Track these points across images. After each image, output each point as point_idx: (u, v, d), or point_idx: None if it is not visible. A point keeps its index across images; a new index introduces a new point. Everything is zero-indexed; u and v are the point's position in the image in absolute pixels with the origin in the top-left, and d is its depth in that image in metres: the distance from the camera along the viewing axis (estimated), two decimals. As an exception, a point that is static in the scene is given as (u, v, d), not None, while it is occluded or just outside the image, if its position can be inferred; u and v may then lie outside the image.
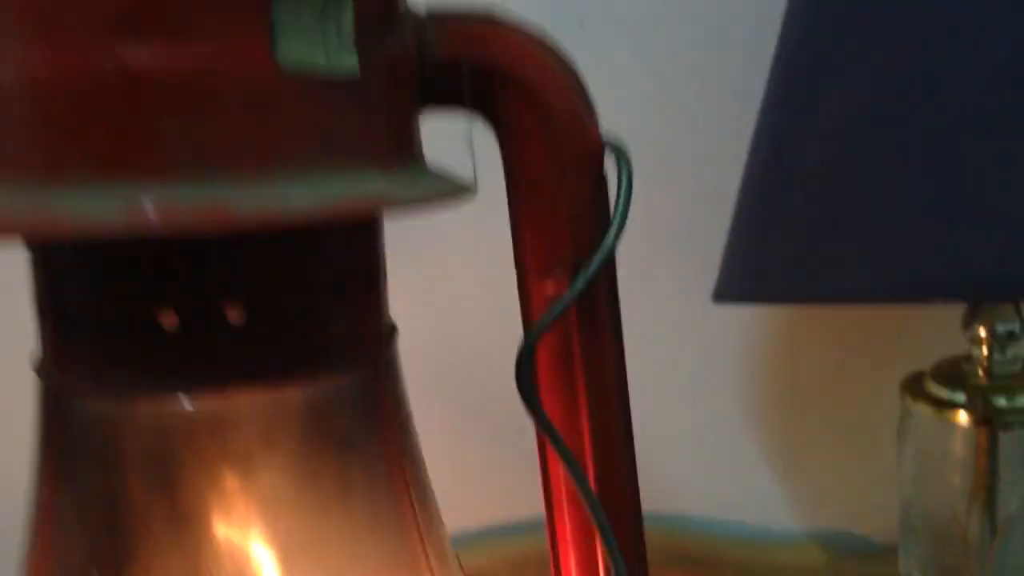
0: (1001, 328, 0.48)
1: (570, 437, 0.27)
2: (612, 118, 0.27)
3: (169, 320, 0.22)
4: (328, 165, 0.21)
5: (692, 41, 0.53)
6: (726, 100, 0.52)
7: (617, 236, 0.26)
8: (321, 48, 0.21)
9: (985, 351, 0.48)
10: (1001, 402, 0.47)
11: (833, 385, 0.60)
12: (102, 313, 0.23)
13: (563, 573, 0.28)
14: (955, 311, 0.49)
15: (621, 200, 0.26)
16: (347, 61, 0.21)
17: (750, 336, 0.59)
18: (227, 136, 0.20)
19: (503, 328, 0.28)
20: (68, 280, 0.23)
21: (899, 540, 0.52)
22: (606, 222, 0.26)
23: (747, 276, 0.44)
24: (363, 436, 0.25)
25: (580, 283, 0.25)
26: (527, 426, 0.27)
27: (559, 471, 0.28)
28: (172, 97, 0.20)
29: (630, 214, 0.25)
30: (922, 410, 0.49)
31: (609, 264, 0.27)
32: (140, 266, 0.22)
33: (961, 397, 0.48)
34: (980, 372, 0.48)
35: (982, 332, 0.48)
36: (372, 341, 0.25)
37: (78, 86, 0.20)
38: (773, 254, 0.43)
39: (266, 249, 0.22)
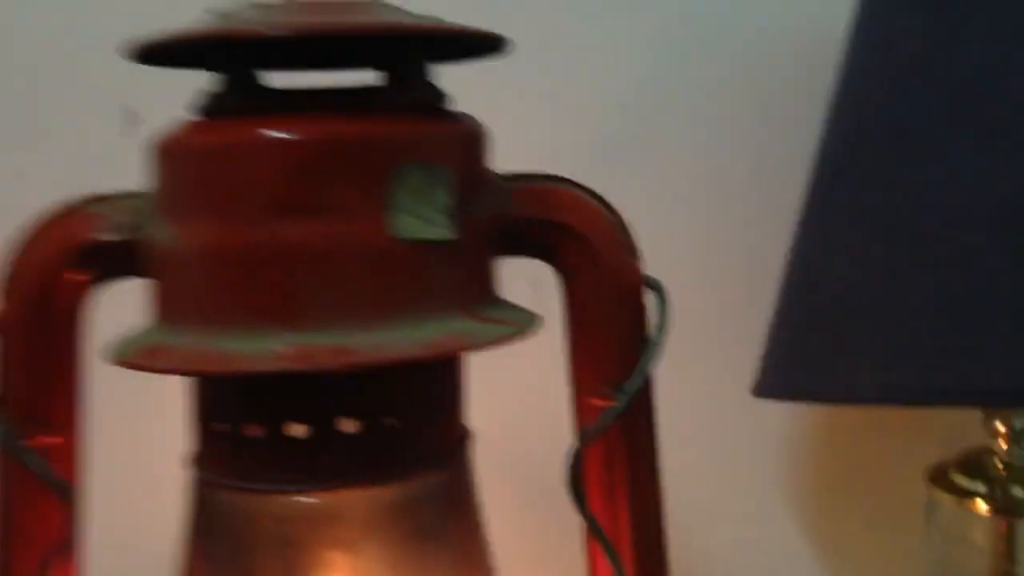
0: (1018, 424, 0.51)
1: (612, 531, 0.32)
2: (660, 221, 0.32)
3: (297, 432, 0.28)
4: (425, 312, 0.27)
5: (727, 166, 0.58)
6: (764, 214, 0.57)
7: (654, 358, 0.31)
8: (426, 221, 0.27)
9: (1004, 444, 0.52)
10: (1019, 493, 0.51)
11: (867, 471, 0.63)
12: (244, 426, 0.28)
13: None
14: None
15: (659, 328, 0.31)
16: (445, 229, 0.27)
17: (790, 426, 0.63)
18: (350, 292, 0.26)
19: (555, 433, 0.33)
20: (218, 398, 0.29)
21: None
22: (645, 343, 0.31)
23: (780, 376, 0.49)
24: (444, 524, 0.31)
25: (622, 403, 0.30)
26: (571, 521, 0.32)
27: (604, 563, 0.32)
28: (311, 263, 0.26)
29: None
30: (945, 499, 0.52)
31: (647, 382, 0.32)
32: (276, 390, 0.28)
33: (982, 487, 0.51)
34: (999, 464, 0.52)
35: (1000, 427, 0.52)
36: (453, 445, 0.31)
37: (240, 255, 0.26)
38: (803, 358, 0.48)
39: (375, 378, 0.28)
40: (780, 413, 0.62)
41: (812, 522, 0.64)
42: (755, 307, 0.53)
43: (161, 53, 0.28)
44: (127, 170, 0.43)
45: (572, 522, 0.33)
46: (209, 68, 0.29)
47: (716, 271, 0.41)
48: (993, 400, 0.47)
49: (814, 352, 0.48)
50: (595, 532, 0.31)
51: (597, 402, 0.32)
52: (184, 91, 0.29)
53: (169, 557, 0.32)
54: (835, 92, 0.49)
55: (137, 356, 0.27)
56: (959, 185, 0.43)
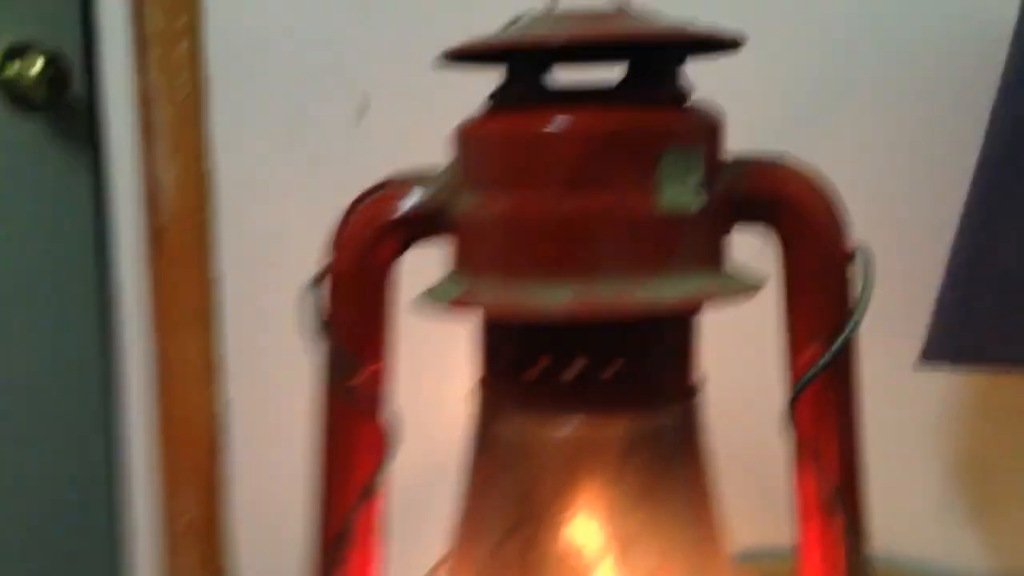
0: None
1: (824, 462, 0.37)
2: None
3: (569, 369, 0.35)
4: (680, 270, 0.33)
5: (903, 142, 0.63)
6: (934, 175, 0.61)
7: (862, 315, 0.37)
8: (682, 195, 0.33)
9: None
10: None
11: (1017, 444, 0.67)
12: (526, 361, 0.35)
13: (807, 555, 0.39)
14: None
15: (866, 289, 0.37)
16: (697, 201, 0.33)
17: (948, 401, 0.67)
18: (622, 252, 0.33)
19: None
20: (505, 334, 0.36)
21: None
22: (850, 305, 0.37)
23: (948, 341, 0.53)
24: (682, 454, 0.37)
25: (829, 357, 0.36)
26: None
27: (810, 484, 0.38)
28: (592, 228, 0.33)
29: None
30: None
31: (852, 340, 0.37)
32: (555, 332, 0.35)
33: None
34: None
35: None
36: (690, 388, 0.37)
37: (535, 221, 0.33)
38: (971, 324, 0.52)
39: (634, 326, 0.35)
40: (940, 388, 0.66)
41: (971, 495, 0.68)
42: (920, 283, 0.58)
43: (467, 56, 0.35)
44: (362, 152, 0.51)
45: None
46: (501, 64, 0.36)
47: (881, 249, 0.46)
48: None
49: (982, 317, 0.52)
50: (811, 454, 0.36)
51: (807, 353, 0.37)
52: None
53: (453, 472, 0.39)
54: (1006, 77, 0.53)
55: (452, 300, 0.34)
56: None
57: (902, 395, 0.65)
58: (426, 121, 0.57)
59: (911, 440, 0.66)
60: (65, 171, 0.67)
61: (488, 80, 0.36)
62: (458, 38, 0.35)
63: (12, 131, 0.67)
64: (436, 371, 0.53)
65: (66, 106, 0.68)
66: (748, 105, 0.39)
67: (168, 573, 0.64)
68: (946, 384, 0.66)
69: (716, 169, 0.35)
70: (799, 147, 0.39)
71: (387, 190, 0.37)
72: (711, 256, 0.35)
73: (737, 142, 0.37)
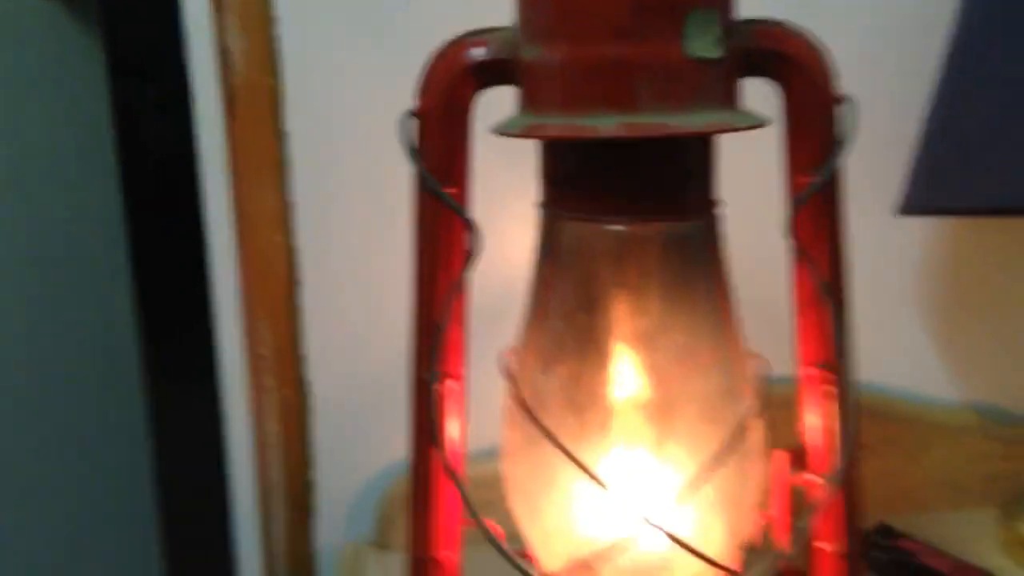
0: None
1: (818, 264, 0.47)
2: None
3: (617, 182, 0.44)
4: (705, 105, 0.42)
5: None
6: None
7: (846, 148, 0.46)
8: (706, 46, 0.42)
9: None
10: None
11: (990, 289, 0.76)
12: (581, 176, 0.44)
13: (803, 341, 0.49)
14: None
15: (851, 127, 0.46)
16: (718, 51, 0.42)
17: (921, 243, 0.75)
18: (660, 89, 0.41)
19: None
20: (564, 158, 0.45)
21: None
22: (839, 139, 0.46)
23: (926, 192, 0.62)
24: (705, 255, 0.46)
25: (822, 177, 0.45)
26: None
27: (806, 281, 0.48)
28: (637, 71, 0.41)
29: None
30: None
31: (839, 167, 0.47)
32: (606, 153, 0.44)
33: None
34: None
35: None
36: (711, 202, 0.46)
37: (590, 65, 0.41)
38: (951, 174, 0.61)
39: (668, 149, 0.44)
40: (915, 234, 0.75)
41: (942, 329, 0.77)
42: (894, 140, 0.67)
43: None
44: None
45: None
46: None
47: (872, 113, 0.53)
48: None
49: (954, 169, 0.61)
50: (805, 258, 0.46)
51: (804, 178, 0.46)
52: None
53: (522, 271, 0.48)
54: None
55: (523, 130, 0.43)
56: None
57: (885, 242, 0.74)
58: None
59: (893, 283, 0.76)
60: (80, 47, 0.74)
61: None
62: None
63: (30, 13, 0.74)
64: (502, 193, 0.62)
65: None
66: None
67: (254, 391, 0.74)
68: (924, 232, 0.75)
69: (731, 28, 0.43)
70: (799, 16, 0.47)
71: (462, 42, 0.45)
72: (727, 96, 0.44)
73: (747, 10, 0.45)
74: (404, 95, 0.47)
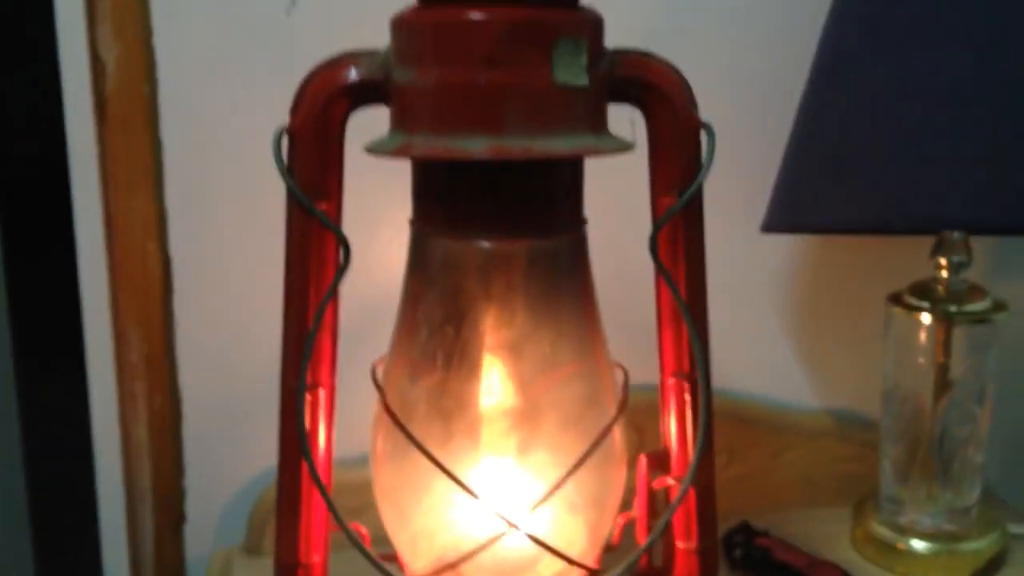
0: (954, 259, 0.69)
1: (677, 282, 0.49)
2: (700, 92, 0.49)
3: (484, 201, 0.46)
4: (570, 130, 0.44)
5: (752, 39, 0.75)
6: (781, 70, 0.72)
7: (705, 172, 0.48)
8: (573, 73, 0.44)
9: (944, 274, 0.69)
10: (953, 309, 0.69)
11: (843, 298, 0.80)
12: (452, 196, 0.46)
13: (664, 353, 0.51)
14: (925, 245, 0.70)
15: (708, 154, 0.48)
16: (584, 79, 0.44)
17: (782, 260, 0.79)
18: (526, 114, 0.43)
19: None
20: (435, 178, 0.47)
21: (882, 410, 0.73)
22: (699, 165, 0.49)
23: (788, 211, 0.66)
24: (571, 271, 0.49)
25: (683, 200, 0.48)
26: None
27: (668, 297, 0.50)
28: (505, 96, 0.43)
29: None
30: (900, 313, 0.70)
31: (699, 191, 0.49)
32: (474, 174, 0.45)
33: (927, 305, 0.69)
34: (940, 289, 0.70)
35: (942, 261, 0.69)
36: (577, 221, 0.49)
37: (460, 89, 0.43)
38: (809, 196, 0.65)
39: (533, 170, 0.46)
40: (777, 251, 0.79)
41: (800, 340, 0.81)
42: (760, 163, 0.70)
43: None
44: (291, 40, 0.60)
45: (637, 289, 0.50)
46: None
47: (728, 132, 0.56)
48: (934, 226, 0.65)
49: (810, 193, 0.65)
50: (664, 276, 0.48)
51: (667, 199, 0.49)
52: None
53: (393, 284, 0.49)
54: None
55: (393, 149, 0.44)
56: (926, 73, 0.61)
57: (748, 256, 0.78)
58: (347, 14, 0.67)
59: (754, 295, 0.79)
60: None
61: None
62: None
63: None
64: (375, 210, 0.63)
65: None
66: (623, 13, 0.50)
67: (123, 400, 0.73)
68: (785, 247, 0.79)
69: (598, 56, 0.46)
70: (664, 48, 0.50)
71: (337, 63, 0.46)
72: (594, 121, 0.46)
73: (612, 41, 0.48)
74: (281, 106, 0.48)
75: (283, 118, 0.47)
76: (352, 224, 0.49)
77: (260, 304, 0.71)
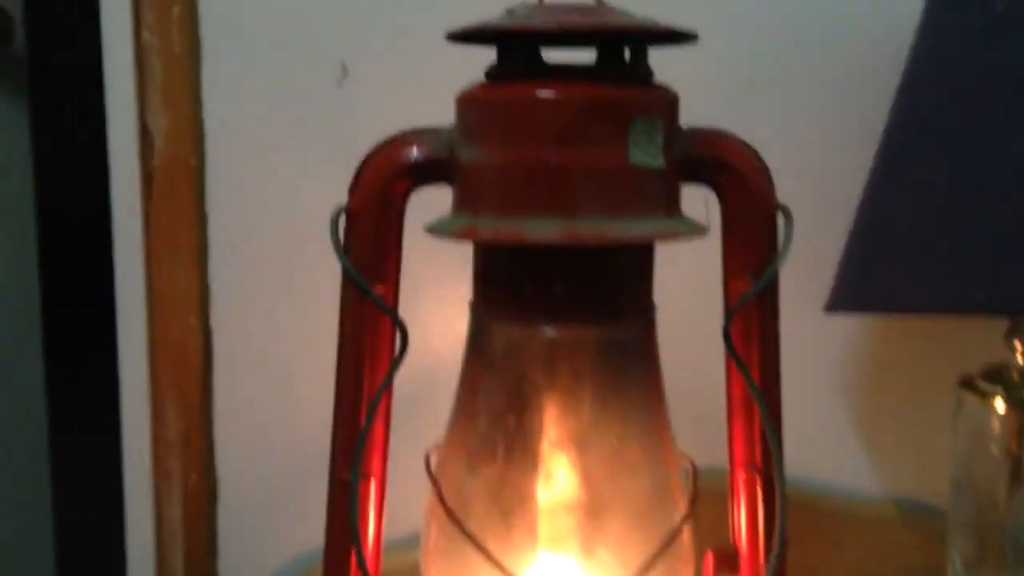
0: (1032, 342, 0.66)
1: (749, 369, 0.47)
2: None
3: (551, 286, 0.43)
4: (645, 212, 0.42)
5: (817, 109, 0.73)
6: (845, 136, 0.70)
7: (783, 258, 0.46)
8: (649, 154, 0.41)
9: (1020, 359, 0.66)
10: (1030, 396, 0.66)
11: (910, 381, 0.77)
12: (514, 279, 0.44)
13: (734, 443, 0.48)
14: (1000, 325, 0.67)
15: (786, 239, 0.46)
16: (660, 160, 0.42)
17: (844, 339, 0.76)
18: (600, 197, 0.41)
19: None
20: (498, 260, 0.44)
21: (949, 500, 0.70)
22: (775, 249, 0.46)
23: (854, 291, 0.63)
24: (639, 358, 0.46)
25: (762, 282, 0.45)
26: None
27: (739, 385, 0.47)
28: (577, 177, 0.41)
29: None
30: (971, 399, 0.67)
31: (775, 276, 0.47)
32: (542, 258, 0.43)
33: (1002, 391, 0.66)
34: (1015, 373, 0.67)
35: (1018, 344, 0.66)
36: (647, 306, 0.46)
37: (530, 169, 0.41)
38: (878, 275, 0.62)
39: (604, 255, 0.43)
40: (841, 332, 0.76)
41: (863, 424, 0.78)
42: (822, 240, 0.68)
43: (471, 36, 0.43)
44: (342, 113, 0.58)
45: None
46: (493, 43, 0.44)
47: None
48: (1013, 308, 0.62)
49: (878, 273, 0.62)
50: (736, 362, 0.46)
51: (740, 284, 0.46)
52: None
53: (452, 367, 0.47)
54: (905, 75, 0.63)
55: (457, 231, 0.42)
56: (999, 153, 0.58)
57: (808, 336, 0.75)
58: (400, 87, 0.65)
59: (816, 377, 0.77)
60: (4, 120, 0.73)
61: (455, 52, 0.44)
62: (430, 9, 0.42)
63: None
64: (435, 291, 0.61)
65: (7, 58, 0.75)
66: (690, 88, 0.48)
67: (158, 478, 0.71)
68: (848, 328, 0.76)
69: (673, 135, 0.43)
70: (734, 124, 0.48)
71: (399, 141, 0.45)
72: (667, 203, 0.43)
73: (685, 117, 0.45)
74: (331, 180, 0.46)
75: (333, 193, 0.45)
76: (409, 299, 0.47)
77: (302, 383, 0.69)
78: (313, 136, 0.67)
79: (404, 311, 0.46)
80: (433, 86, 0.45)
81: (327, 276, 0.46)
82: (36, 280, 0.90)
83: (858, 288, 0.64)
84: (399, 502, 0.53)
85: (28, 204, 0.90)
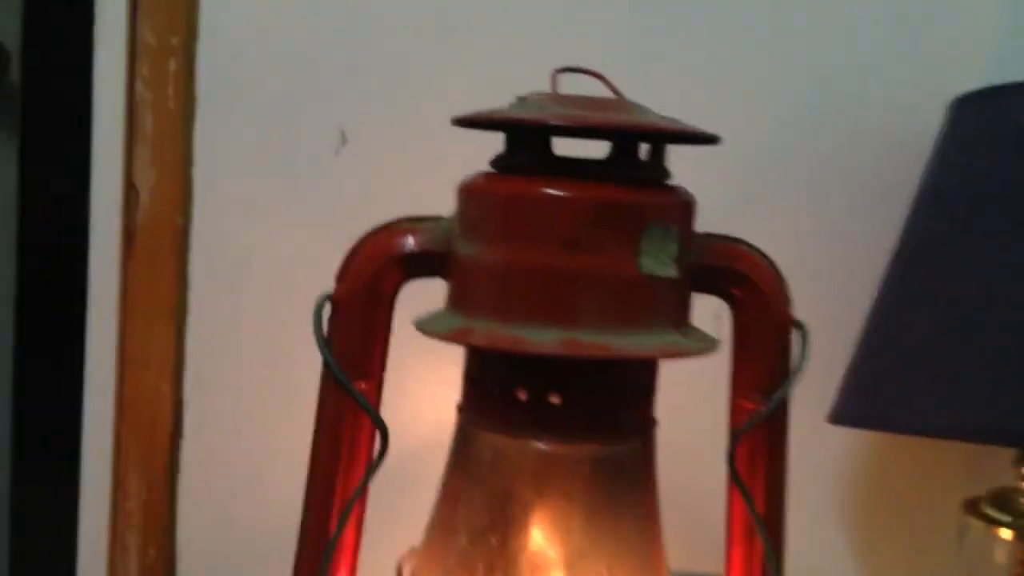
0: (1042, 469, 0.63)
1: (753, 496, 0.43)
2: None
3: (547, 398, 0.40)
4: (652, 325, 0.39)
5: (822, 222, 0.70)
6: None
7: (797, 378, 0.42)
8: (661, 263, 0.38)
9: (1028, 485, 0.63)
10: (1038, 525, 0.62)
11: (910, 501, 0.74)
12: (511, 389, 0.40)
13: (732, 573, 0.45)
14: (1008, 453, 0.64)
15: (802, 355, 0.42)
16: (672, 270, 0.39)
17: (843, 453, 0.73)
18: (605, 306, 0.38)
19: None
20: (490, 366, 0.41)
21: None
22: (788, 367, 0.43)
23: (856, 406, 0.60)
24: (636, 478, 0.42)
25: (769, 408, 0.42)
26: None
27: (741, 511, 0.44)
28: (583, 283, 0.38)
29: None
30: (977, 525, 0.64)
31: (787, 397, 0.43)
32: (538, 368, 0.40)
33: (1007, 518, 0.63)
34: (1023, 500, 0.63)
35: (1026, 470, 0.63)
36: (647, 424, 0.43)
37: (534, 273, 0.38)
38: (877, 393, 0.59)
39: (607, 368, 0.40)
40: (840, 444, 0.73)
41: (858, 544, 0.74)
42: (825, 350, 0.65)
43: (479, 124, 0.40)
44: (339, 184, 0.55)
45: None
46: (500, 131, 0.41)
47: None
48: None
49: (887, 389, 0.59)
50: (742, 491, 0.42)
51: (747, 404, 0.43)
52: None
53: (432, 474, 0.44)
54: (923, 186, 0.61)
55: (449, 332, 0.39)
56: (1010, 275, 0.56)
57: (806, 448, 0.71)
58: (400, 162, 0.62)
59: (810, 490, 0.73)
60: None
61: (461, 131, 0.41)
62: (438, 83, 0.39)
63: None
64: (414, 389, 0.57)
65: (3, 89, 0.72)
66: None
67: (114, 550, 0.67)
68: (846, 440, 0.73)
69: (688, 243, 0.40)
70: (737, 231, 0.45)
71: (394, 229, 0.41)
72: (678, 316, 0.40)
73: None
74: (320, 257, 0.43)
75: (321, 270, 0.42)
76: (389, 381, 0.44)
77: (272, 461, 0.65)
78: (306, 204, 0.64)
79: (386, 393, 0.42)
80: (435, 163, 0.42)
81: (310, 357, 0.43)
82: (10, 325, 0.87)
83: (865, 402, 0.61)
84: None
85: (10, 242, 0.86)
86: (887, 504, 0.74)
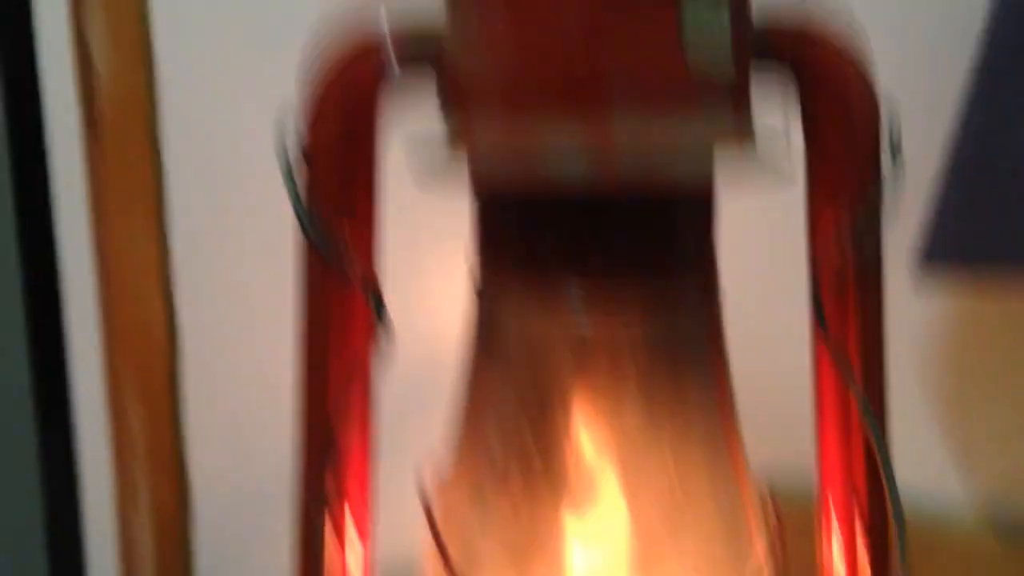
0: None
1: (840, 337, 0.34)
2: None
3: (582, 260, 0.32)
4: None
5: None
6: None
7: (895, 177, 0.33)
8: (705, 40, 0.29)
9: None
10: None
11: (1005, 377, 0.66)
12: (530, 249, 0.32)
13: (824, 463, 0.37)
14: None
15: (896, 151, 0.33)
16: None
17: (934, 332, 0.66)
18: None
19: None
20: (507, 222, 0.33)
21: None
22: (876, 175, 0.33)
23: (950, 240, 0.52)
24: (700, 362, 0.34)
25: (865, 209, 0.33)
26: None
27: (832, 386, 0.36)
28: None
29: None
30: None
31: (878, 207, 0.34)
32: (562, 218, 0.31)
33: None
34: None
35: None
36: (711, 289, 0.34)
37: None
38: (974, 222, 0.51)
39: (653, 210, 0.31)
40: (925, 309, 0.65)
41: (947, 418, 0.67)
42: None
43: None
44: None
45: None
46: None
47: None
48: None
49: (986, 216, 0.50)
50: (836, 357, 0.33)
51: (831, 214, 0.34)
52: None
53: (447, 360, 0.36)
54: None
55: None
56: None
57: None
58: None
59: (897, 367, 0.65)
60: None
61: None
62: None
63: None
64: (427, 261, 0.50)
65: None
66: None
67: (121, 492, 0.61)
68: (930, 314, 0.65)
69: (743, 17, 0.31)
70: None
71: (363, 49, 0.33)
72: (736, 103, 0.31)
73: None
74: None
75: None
76: (392, 265, 0.36)
77: (285, 369, 0.58)
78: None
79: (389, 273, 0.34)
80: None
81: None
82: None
83: (959, 235, 0.52)
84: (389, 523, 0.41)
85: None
86: (981, 380, 0.66)
